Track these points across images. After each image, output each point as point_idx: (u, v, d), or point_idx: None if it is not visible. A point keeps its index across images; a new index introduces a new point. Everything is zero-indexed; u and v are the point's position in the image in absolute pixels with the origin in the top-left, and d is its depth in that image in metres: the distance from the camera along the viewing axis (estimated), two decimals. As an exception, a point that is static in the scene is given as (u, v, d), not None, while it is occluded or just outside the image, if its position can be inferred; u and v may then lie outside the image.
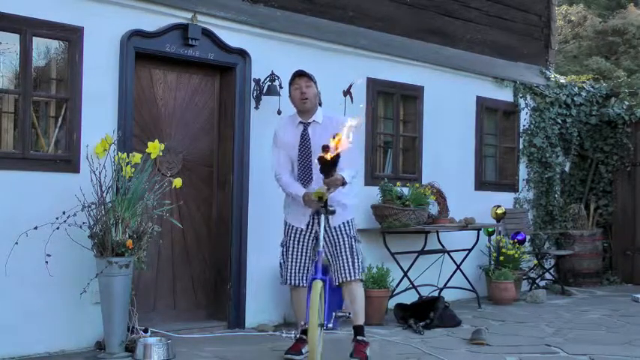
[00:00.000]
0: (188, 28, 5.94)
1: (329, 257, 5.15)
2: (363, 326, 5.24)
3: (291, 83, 5.18)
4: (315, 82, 5.15)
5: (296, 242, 5.13)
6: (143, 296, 5.79)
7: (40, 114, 5.49)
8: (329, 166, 4.65)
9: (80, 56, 5.42)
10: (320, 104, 5.22)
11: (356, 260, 5.11)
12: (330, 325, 4.90)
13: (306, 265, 5.13)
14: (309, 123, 5.13)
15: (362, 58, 7.42)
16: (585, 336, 6.19)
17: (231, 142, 6.30)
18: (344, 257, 5.10)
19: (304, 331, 5.13)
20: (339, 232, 5.11)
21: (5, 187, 5.05)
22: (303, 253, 5.13)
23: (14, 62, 5.24)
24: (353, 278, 5.11)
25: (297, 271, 5.12)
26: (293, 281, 5.12)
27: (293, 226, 5.16)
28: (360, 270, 5.14)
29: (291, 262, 5.13)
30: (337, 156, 4.58)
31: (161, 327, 5.75)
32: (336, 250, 5.11)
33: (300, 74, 5.13)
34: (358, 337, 5.16)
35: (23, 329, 5.08)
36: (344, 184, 4.89)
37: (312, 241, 5.13)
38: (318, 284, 4.69)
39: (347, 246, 5.10)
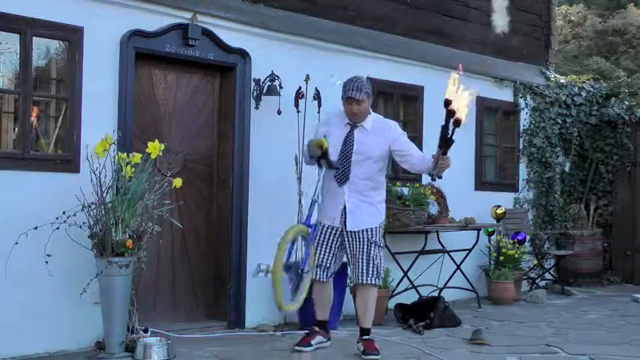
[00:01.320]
0: (188, 28, 5.94)
1: (349, 257, 5.30)
2: (370, 328, 5.33)
3: (344, 99, 5.23)
4: (368, 95, 5.17)
5: (324, 238, 5.26)
6: (143, 296, 5.79)
7: (40, 114, 5.48)
8: (451, 137, 4.55)
9: (80, 56, 5.42)
10: (369, 112, 5.28)
11: (371, 265, 5.19)
12: (306, 269, 5.01)
13: (330, 262, 5.26)
14: (357, 126, 5.22)
15: (362, 58, 7.42)
16: (585, 336, 6.19)
17: (231, 142, 6.30)
18: (360, 260, 5.20)
19: (318, 324, 5.34)
20: (361, 236, 5.20)
21: (5, 187, 5.05)
22: (329, 250, 5.26)
23: (14, 62, 5.24)
24: (365, 282, 5.20)
25: (319, 265, 5.23)
26: (314, 275, 5.20)
27: (325, 224, 5.27)
28: (376, 275, 5.21)
29: (317, 256, 5.23)
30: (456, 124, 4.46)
31: (161, 327, 5.74)
32: (355, 251, 5.22)
33: (351, 98, 5.13)
34: (364, 337, 5.27)
35: (23, 329, 5.08)
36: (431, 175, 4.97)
37: (339, 240, 5.26)
38: (304, 228, 4.96)
39: (365, 250, 5.19)
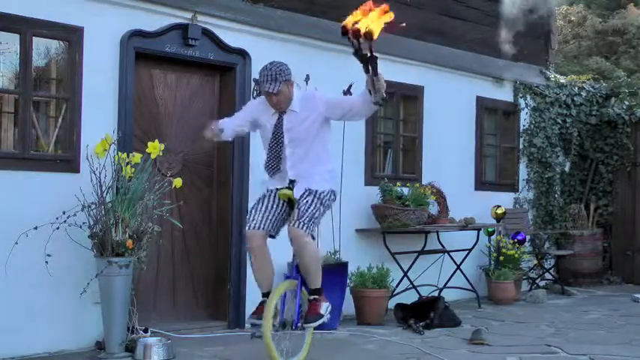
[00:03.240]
0: (188, 28, 5.95)
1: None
2: (320, 289, 4.73)
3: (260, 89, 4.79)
4: (286, 82, 4.61)
5: (271, 198, 4.74)
6: (143, 296, 5.79)
7: (40, 114, 5.49)
8: (371, 55, 4.16)
9: (80, 56, 5.42)
10: (298, 85, 4.78)
11: (304, 213, 4.56)
12: (299, 324, 4.67)
13: (275, 218, 4.68)
14: (285, 112, 4.72)
15: (362, 58, 7.40)
16: (585, 336, 6.19)
17: (231, 142, 6.29)
18: (295, 207, 4.63)
19: (266, 294, 4.77)
20: (305, 193, 4.68)
21: (5, 187, 5.05)
22: (275, 207, 4.71)
23: (14, 62, 5.24)
24: (291, 225, 4.57)
25: (261, 217, 4.64)
26: (254, 224, 4.61)
27: (271, 191, 4.75)
28: (305, 223, 4.53)
29: (260, 208, 4.69)
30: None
31: (161, 327, 5.75)
32: (295, 203, 4.67)
33: (267, 92, 4.62)
34: (310, 297, 4.72)
35: (23, 329, 5.08)
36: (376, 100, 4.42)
37: (283, 207, 4.73)
38: (292, 282, 4.67)
39: (302, 201, 4.61)
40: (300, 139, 4.70)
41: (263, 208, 4.70)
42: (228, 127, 4.76)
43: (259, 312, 4.68)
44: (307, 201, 4.62)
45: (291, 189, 4.68)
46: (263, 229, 4.64)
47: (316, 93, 4.86)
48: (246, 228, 4.68)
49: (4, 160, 5.09)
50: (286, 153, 4.71)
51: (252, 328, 4.69)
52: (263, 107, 4.80)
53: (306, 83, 6.48)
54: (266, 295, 4.76)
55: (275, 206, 4.74)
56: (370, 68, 4.26)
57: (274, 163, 4.74)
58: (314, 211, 4.62)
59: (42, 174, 5.22)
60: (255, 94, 6.41)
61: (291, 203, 4.68)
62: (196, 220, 6.30)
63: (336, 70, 6.96)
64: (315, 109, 4.70)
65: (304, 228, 4.55)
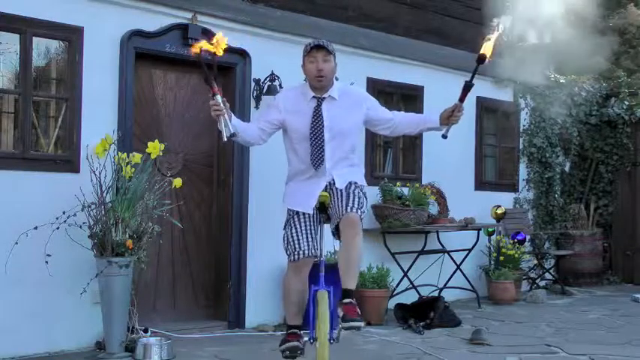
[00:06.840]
0: (188, 28, 5.95)
1: (330, 205, 4.30)
2: (353, 290, 4.25)
3: (306, 54, 4.42)
4: (334, 55, 4.41)
5: (304, 217, 4.36)
6: (143, 296, 5.79)
7: (40, 114, 5.49)
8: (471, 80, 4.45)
9: (80, 56, 5.42)
10: (336, 79, 4.48)
11: (351, 197, 4.23)
12: (334, 337, 4.35)
13: (309, 244, 4.31)
14: (324, 98, 4.36)
15: (362, 58, 7.41)
16: (585, 336, 6.20)
17: (231, 142, 6.29)
18: (340, 200, 4.25)
19: (295, 327, 4.56)
20: (344, 187, 4.34)
21: (5, 187, 5.05)
22: (312, 225, 4.36)
23: (14, 62, 5.24)
24: (346, 212, 4.17)
25: (308, 241, 4.30)
26: (306, 251, 4.25)
27: (298, 212, 4.37)
28: (358, 206, 4.21)
29: (301, 232, 4.32)
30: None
31: (161, 327, 5.75)
32: (338, 194, 4.30)
33: (317, 46, 4.38)
34: (345, 300, 4.21)
35: (23, 329, 5.08)
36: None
37: (314, 222, 4.37)
38: (325, 295, 4.18)
39: (344, 191, 4.28)
40: (340, 132, 4.30)
41: (304, 231, 4.32)
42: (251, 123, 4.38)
43: (293, 339, 4.45)
44: (356, 189, 4.29)
45: (327, 192, 4.32)
46: (312, 254, 4.30)
47: (360, 90, 4.61)
48: (295, 257, 4.27)
49: (4, 160, 5.09)
50: (326, 147, 4.30)
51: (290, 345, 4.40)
52: (294, 100, 4.42)
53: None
54: (295, 327, 4.51)
55: (312, 226, 4.36)
56: (464, 93, 4.52)
57: (318, 153, 4.29)
58: (363, 201, 4.30)
59: (42, 174, 5.22)
60: (255, 93, 6.41)
61: (323, 209, 4.30)
62: (196, 220, 6.30)
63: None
64: (361, 108, 4.40)
65: (359, 213, 4.19)
